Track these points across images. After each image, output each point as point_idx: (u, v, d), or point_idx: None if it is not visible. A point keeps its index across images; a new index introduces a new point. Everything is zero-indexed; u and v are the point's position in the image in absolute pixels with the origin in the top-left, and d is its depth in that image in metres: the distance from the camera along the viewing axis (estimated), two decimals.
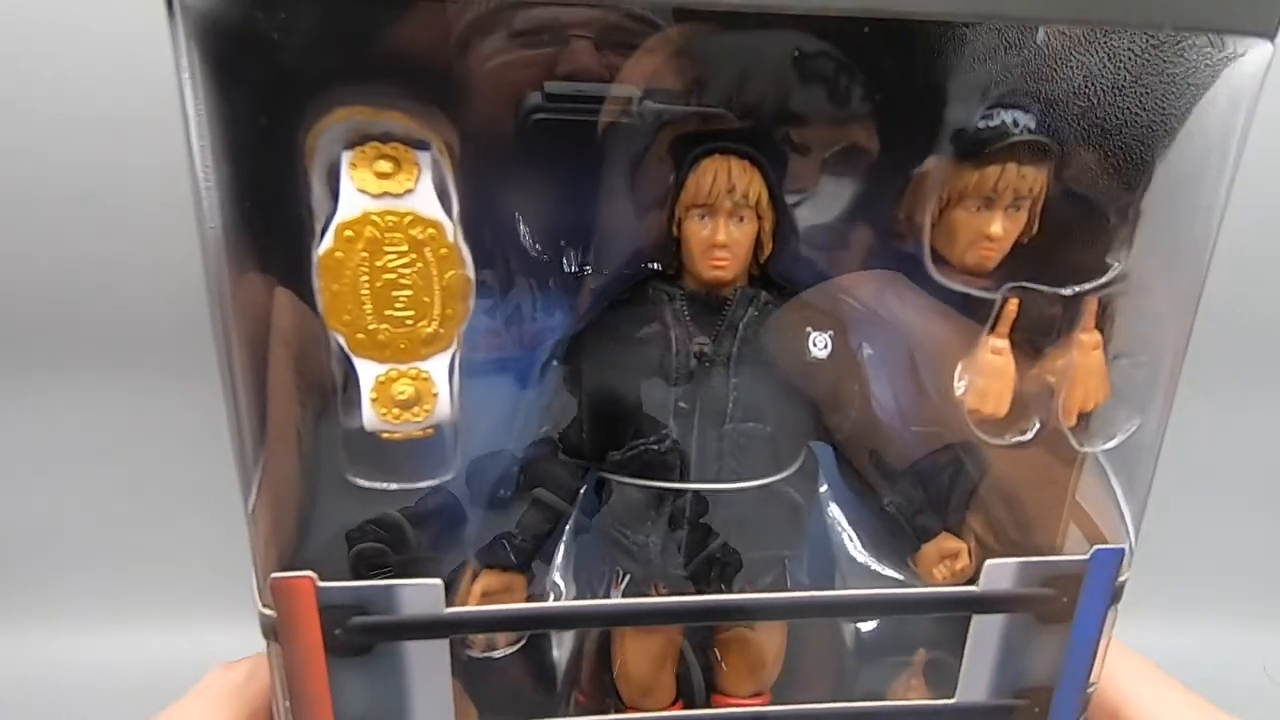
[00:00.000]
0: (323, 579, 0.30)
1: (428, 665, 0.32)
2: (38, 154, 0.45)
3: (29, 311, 0.49)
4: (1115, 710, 0.36)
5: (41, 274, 0.48)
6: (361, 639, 0.31)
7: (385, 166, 0.28)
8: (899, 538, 0.36)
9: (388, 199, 0.29)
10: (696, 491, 0.33)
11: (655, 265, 0.33)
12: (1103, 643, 0.34)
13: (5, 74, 0.43)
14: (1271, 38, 0.27)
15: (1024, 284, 0.31)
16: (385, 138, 0.29)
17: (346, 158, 0.28)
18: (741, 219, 0.31)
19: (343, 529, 0.33)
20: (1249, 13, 0.27)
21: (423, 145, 0.29)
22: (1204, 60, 0.29)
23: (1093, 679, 0.35)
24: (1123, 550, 0.33)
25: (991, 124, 0.30)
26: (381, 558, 0.33)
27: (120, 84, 0.43)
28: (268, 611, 0.31)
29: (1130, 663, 0.37)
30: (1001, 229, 0.31)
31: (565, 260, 0.34)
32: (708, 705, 0.39)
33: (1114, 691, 0.36)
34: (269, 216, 0.29)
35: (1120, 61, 0.29)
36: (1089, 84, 0.30)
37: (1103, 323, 0.32)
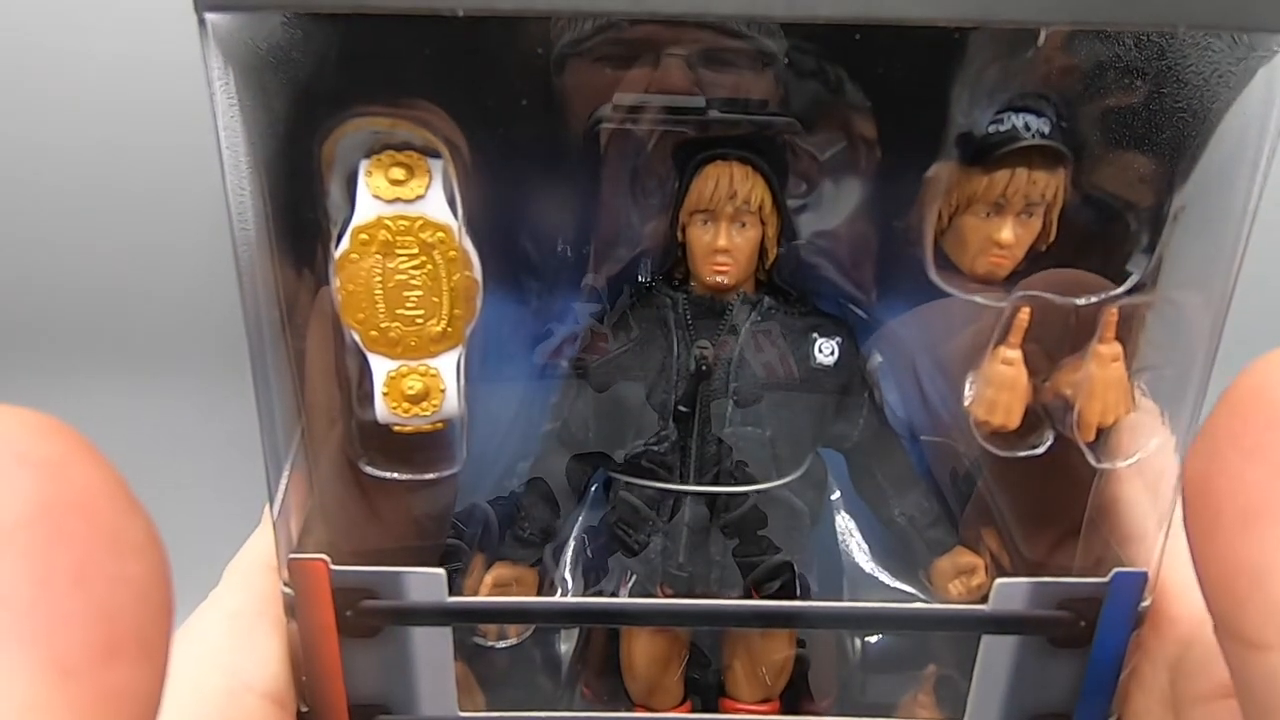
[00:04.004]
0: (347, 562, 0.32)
1: (432, 651, 0.33)
2: (67, 159, 0.48)
3: (32, 311, 0.52)
4: None
5: (50, 276, 0.51)
6: (370, 621, 0.32)
7: (399, 173, 0.30)
8: (910, 550, 0.36)
9: (400, 204, 0.30)
10: (697, 494, 0.33)
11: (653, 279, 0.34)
12: (1125, 671, 0.33)
13: (53, 86, 0.47)
14: None
15: (1035, 293, 0.30)
16: (400, 147, 0.30)
17: (363, 165, 0.30)
18: (744, 224, 0.32)
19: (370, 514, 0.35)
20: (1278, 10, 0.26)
21: (434, 154, 0.30)
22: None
23: (1113, 709, 0.33)
24: (1145, 574, 0.31)
25: (1001, 128, 0.29)
26: (454, 553, 0.34)
27: (155, 93, 0.46)
28: (288, 590, 0.33)
29: None
30: (1012, 235, 0.30)
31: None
32: (717, 710, 0.39)
33: None
34: (294, 220, 0.31)
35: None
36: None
37: (1125, 334, 0.31)
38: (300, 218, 0.31)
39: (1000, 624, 0.32)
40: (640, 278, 0.35)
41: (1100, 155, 0.30)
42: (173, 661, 0.28)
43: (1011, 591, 0.32)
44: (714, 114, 0.31)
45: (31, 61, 0.46)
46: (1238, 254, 0.28)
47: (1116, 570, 0.31)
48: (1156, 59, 0.28)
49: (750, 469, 0.33)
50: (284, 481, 0.32)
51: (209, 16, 0.26)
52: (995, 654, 0.33)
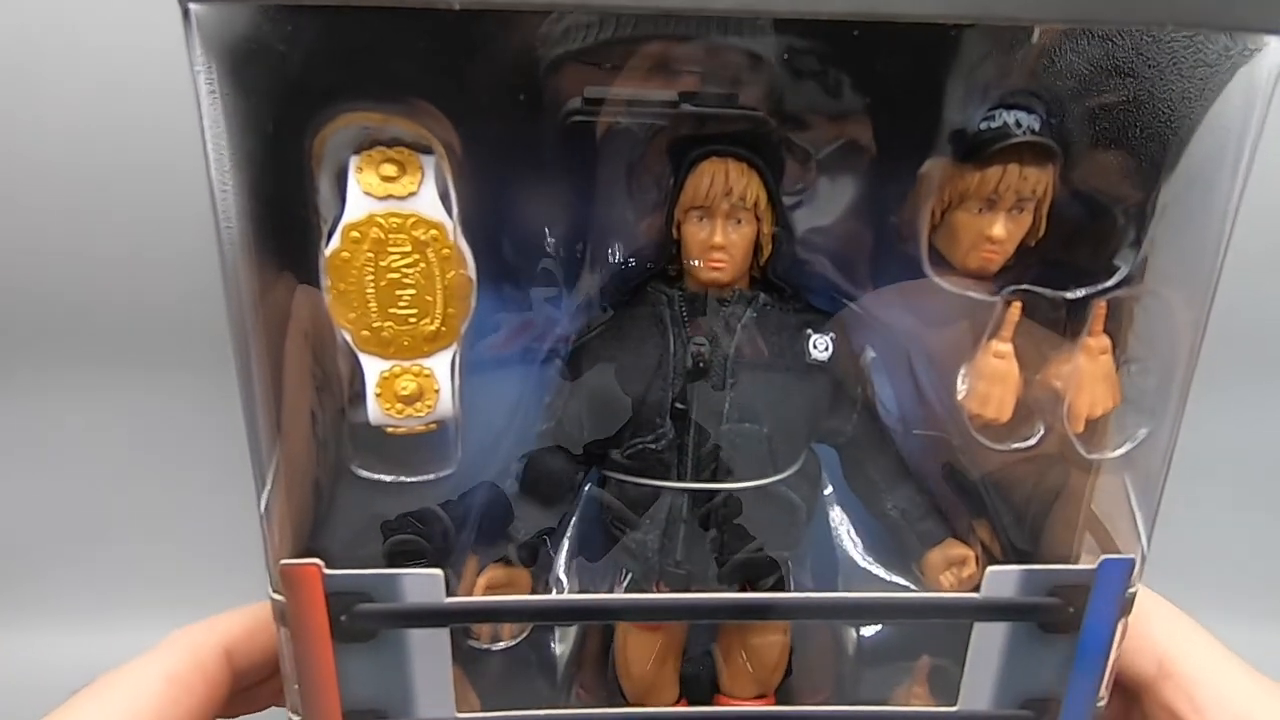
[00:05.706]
0: (341, 566, 0.31)
1: (429, 653, 0.32)
2: (56, 156, 0.47)
3: (34, 310, 0.51)
4: (1160, 660, 0.35)
5: (46, 273, 0.50)
6: (365, 625, 0.32)
7: (390, 170, 0.29)
8: (902, 543, 0.36)
9: (392, 201, 0.30)
10: (694, 491, 0.33)
11: (649, 266, 0.33)
12: (1112, 655, 0.33)
13: (33, 82, 0.45)
14: None
15: (1026, 287, 0.31)
16: (391, 142, 0.30)
17: (353, 162, 0.29)
18: (739, 221, 0.32)
19: (363, 518, 0.34)
20: (1263, 9, 0.27)
21: (426, 150, 0.30)
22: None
23: (1102, 693, 0.34)
24: (1132, 561, 0.32)
25: (993, 125, 0.30)
26: (417, 551, 0.34)
27: (140, 90, 0.45)
28: (278, 597, 0.32)
29: (1171, 613, 0.36)
30: (1004, 231, 0.31)
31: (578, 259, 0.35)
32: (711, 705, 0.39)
33: (1156, 642, 0.35)
34: (281, 218, 0.30)
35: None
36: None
37: (1112, 327, 0.31)
38: (287, 214, 0.30)
39: (991, 610, 0.33)
40: (632, 272, 0.34)
41: (1088, 152, 0.30)
42: (103, 711, 0.32)
43: (1002, 578, 0.33)
44: (686, 108, 0.31)
45: (13, 56, 0.44)
46: (1220, 249, 0.29)
47: (1104, 557, 0.32)
48: (1139, 58, 0.29)
49: (747, 465, 0.33)
50: (268, 486, 0.32)
51: (193, 7, 0.25)
52: (987, 640, 0.33)
